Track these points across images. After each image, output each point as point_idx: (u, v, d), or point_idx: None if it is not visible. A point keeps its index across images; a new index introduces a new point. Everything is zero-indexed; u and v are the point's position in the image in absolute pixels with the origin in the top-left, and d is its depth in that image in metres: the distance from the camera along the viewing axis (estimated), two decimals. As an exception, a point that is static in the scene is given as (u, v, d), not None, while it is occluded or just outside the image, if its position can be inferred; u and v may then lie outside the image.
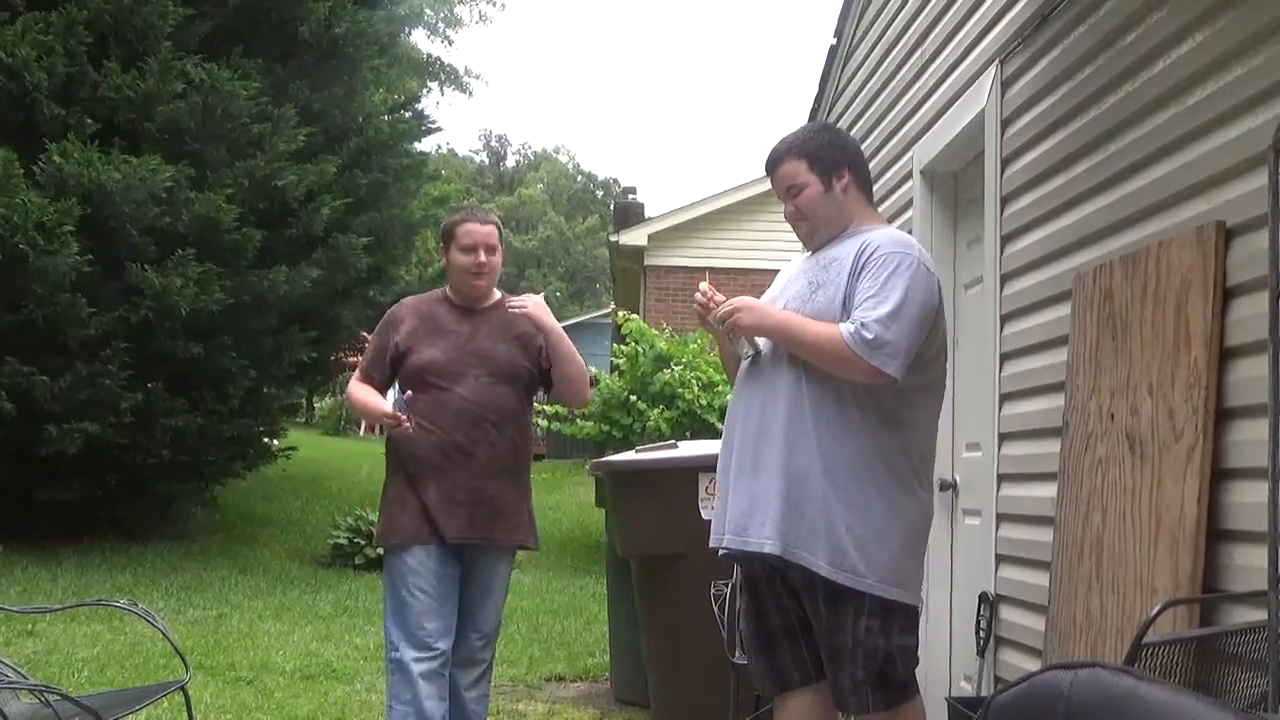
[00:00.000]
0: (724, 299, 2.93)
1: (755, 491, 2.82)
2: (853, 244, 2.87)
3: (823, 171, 2.94)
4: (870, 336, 2.69)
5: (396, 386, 3.80)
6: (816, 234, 2.98)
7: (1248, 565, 2.52)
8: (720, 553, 2.95)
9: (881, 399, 2.78)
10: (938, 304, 2.83)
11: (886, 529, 2.76)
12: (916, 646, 2.86)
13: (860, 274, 2.80)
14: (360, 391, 3.83)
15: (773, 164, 3.01)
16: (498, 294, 3.90)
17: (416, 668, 3.59)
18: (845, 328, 2.72)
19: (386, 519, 3.75)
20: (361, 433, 26.93)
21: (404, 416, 3.62)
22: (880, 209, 5.49)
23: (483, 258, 3.77)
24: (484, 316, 3.82)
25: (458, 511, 3.64)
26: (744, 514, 2.84)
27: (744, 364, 2.97)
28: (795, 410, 2.80)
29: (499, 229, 3.87)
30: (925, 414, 2.88)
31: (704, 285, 3.00)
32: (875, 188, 5.51)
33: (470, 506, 3.66)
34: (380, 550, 8.52)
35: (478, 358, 3.72)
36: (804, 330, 2.82)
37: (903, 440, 2.81)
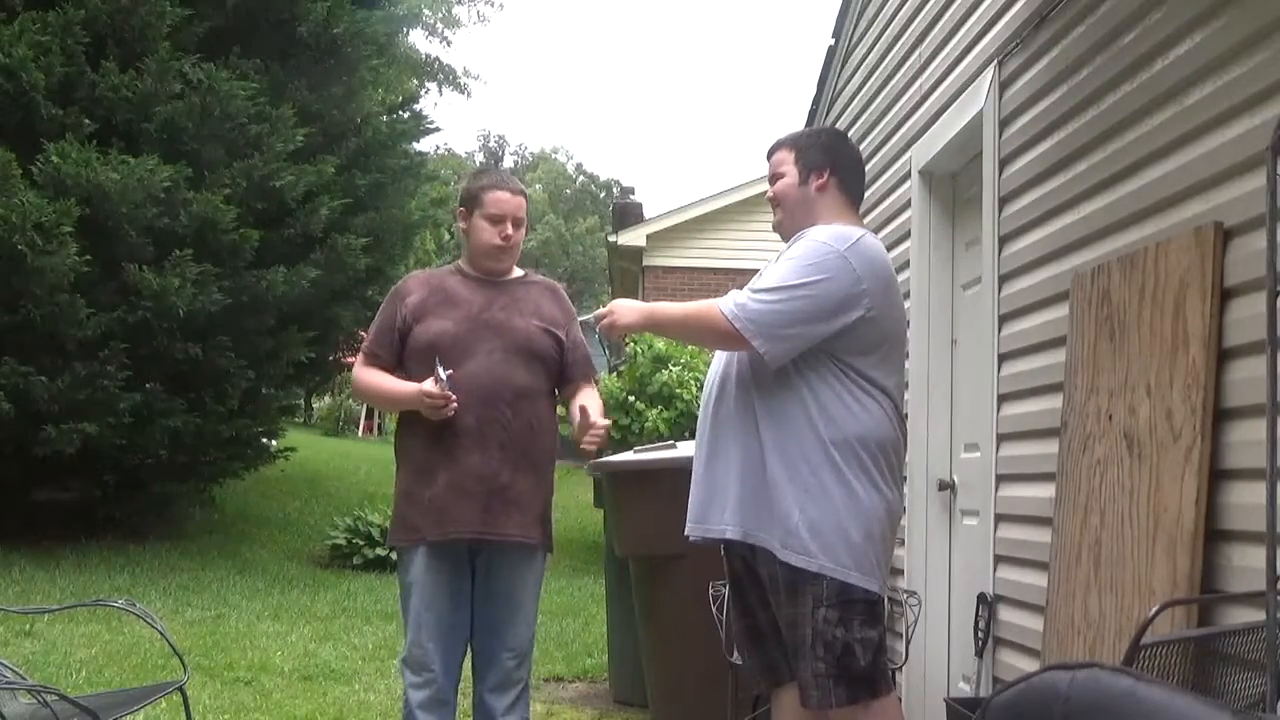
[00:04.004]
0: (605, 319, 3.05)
1: (714, 482, 2.92)
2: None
3: (804, 166, 3.07)
4: (742, 303, 2.82)
5: (438, 362, 3.32)
6: (782, 223, 3.11)
7: (1246, 566, 2.52)
8: (689, 540, 3.05)
9: (821, 392, 2.83)
10: (847, 297, 2.82)
11: (842, 515, 2.80)
12: (882, 641, 2.87)
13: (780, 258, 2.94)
14: (372, 376, 3.47)
15: (769, 152, 3.16)
16: (519, 271, 3.60)
17: (413, 695, 3.38)
18: (724, 298, 2.86)
19: (394, 517, 3.49)
20: (360, 434, 26.93)
21: (450, 394, 3.24)
22: (878, 209, 5.51)
23: (509, 231, 3.44)
24: (501, 289, 3.49)
25: (468, 503, 3.31)
26: (704, 504, 2.95)
27: (711, 367, 3.07)
28: (744, 408, 2.90)
29: (527, 200, 3.56)
30: (879, 407, 2.88)
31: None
32: (873, 189, 5.54)
33: (483, 497, 3.31)
34: (379, 551, 8.49)
35: (491, 330, 3.38)
36: (669, 310, 3.03)
37: (854, 433, 2.83)
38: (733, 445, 2.90)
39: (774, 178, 3.11)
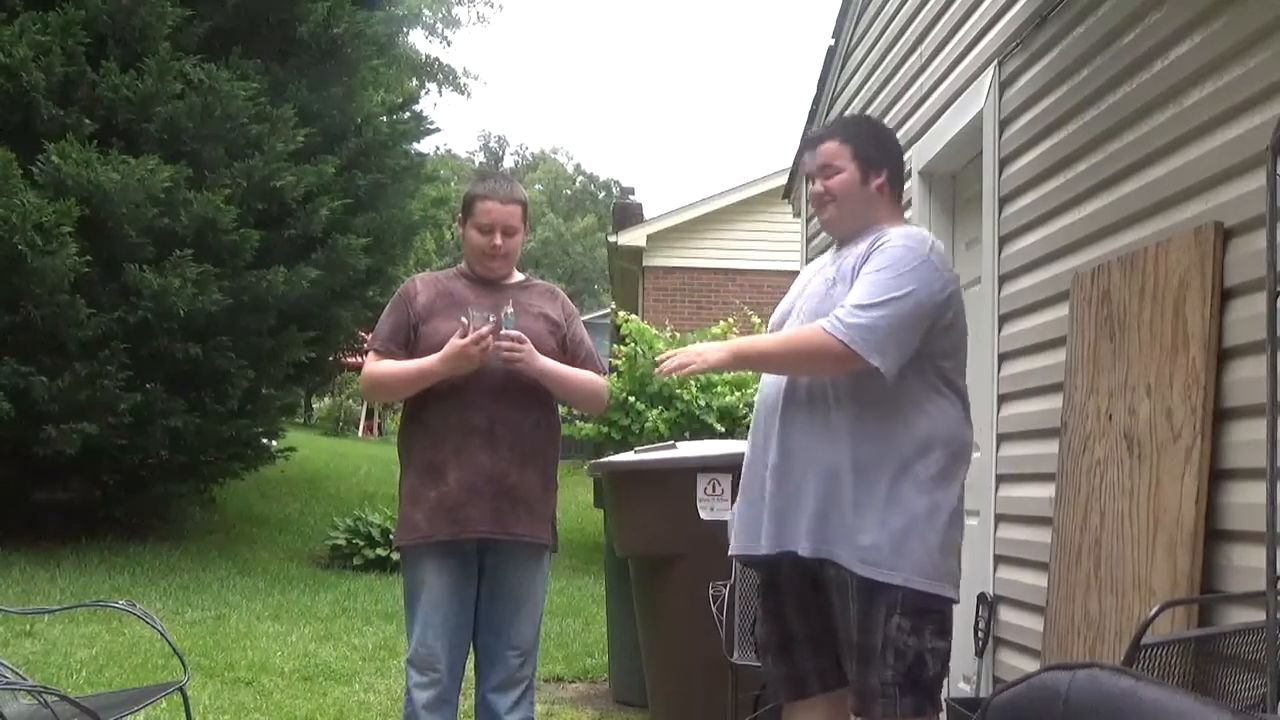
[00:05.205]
0: (672, 360, 2.84)
1: (787, 497, 2.80)
2: (870, 238, 2.85)
3: (862, 163, 2.91)
4: (852, 321, 2.68)
5: (509, 310, 3.34)
6: (839, 221, 2.95)
7: (1246, 566, 2.52)
8: (736, 556, 2.93)
9: (904, 399, 2.74)
10: (943, 300, 2.77)
11: (924, 524, 2.71)
12: (948, 653, 2.78)
13: (865, 263, 2.79)
14: (392, 364, 3.43)
15: (816, 140, 2.99)
16: (520, 275, 3.61)
17: (418, 695, 3.36)
18: (825, 319, 2.72)
19: (400, 518, 3.46)
20: (360, 434, 26.94)
21: (482, 330, 3.22)
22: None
23: (498, 241, 3.43)
24: (504, 292, 3.49)
25: (478, 501, 3.31)
26: (777, 521, 2.81)
27: (766, 377, 2.94)
28: (819, 413, 2.78)
29: (524, 207, 3.51)
30: (955, 410, 2.82)
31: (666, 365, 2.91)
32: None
33: (493, 497, 3.33)
34: (379, 551, 8.44)
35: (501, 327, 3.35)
36: (762, 344, 2.90)
37: (936, 437, 2.76)
38: (808, 458, 2.78)
39: (826, 170, 2.93)
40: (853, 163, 2.91)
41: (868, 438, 2.73)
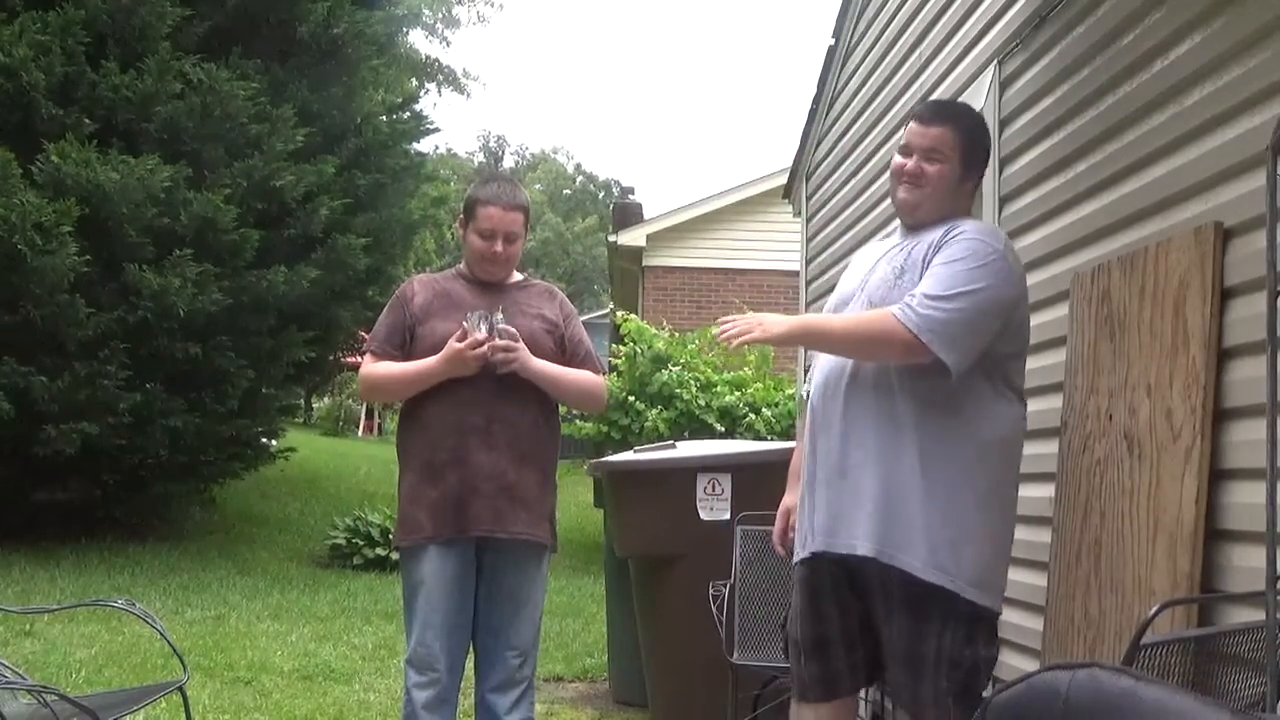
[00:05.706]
0: (732, 328, 2.76)
1: (844, 493, 2.74)
2: (943, 228, 2.80)
3: (966, 161, 2.87)
4: (924, 312, 2.60)
5: (502, 313, 3.38)
6: (920, 207, 2.86)
7: (1246, 565, 2.52)
8: (795, 561, 2.89)
9: (969, 399, 2.69)
10: (1013, 299, 2.73)
11: (982, 532, 2.67)
12: (995, 661, 2.75)
13: (937, 253, 2.73)
14: (390, 366, 3.45)
15: (929, 119, 2.90)
16: (519, 275, 3.62)
17: (417, 695, 3.37)
18: (896, 306, 2.65)
19: (401, 518, 3.47)
20: (360, 433, 26.96)
21: (479, 335, 3.27)
22: (879, 208, 5.51)
23: (499, 248, 3.44)
24: (502, 292, 3.52)
25: (479, 502, 3.34)
26: (832, 517, 2.75)
27: (821, 371, 2.88)
28: (884, 401, 2.71)
29: (526, 213, 3.51)
30: (1015, 411, 2.79)
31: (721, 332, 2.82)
32: (874, 188, 5.55)
33: (492, 496, 3.35)
34: (379, 551, 8.47)
35: (496, 331, 3.39)
36: (829, 322, 2.82)
37: (992, 440, 2.72)
38: (870, 446, 2.71)
39: (931, 154, 2.84)
40: (958, 156, 2.85)
41: (931, 437, 2.67)
